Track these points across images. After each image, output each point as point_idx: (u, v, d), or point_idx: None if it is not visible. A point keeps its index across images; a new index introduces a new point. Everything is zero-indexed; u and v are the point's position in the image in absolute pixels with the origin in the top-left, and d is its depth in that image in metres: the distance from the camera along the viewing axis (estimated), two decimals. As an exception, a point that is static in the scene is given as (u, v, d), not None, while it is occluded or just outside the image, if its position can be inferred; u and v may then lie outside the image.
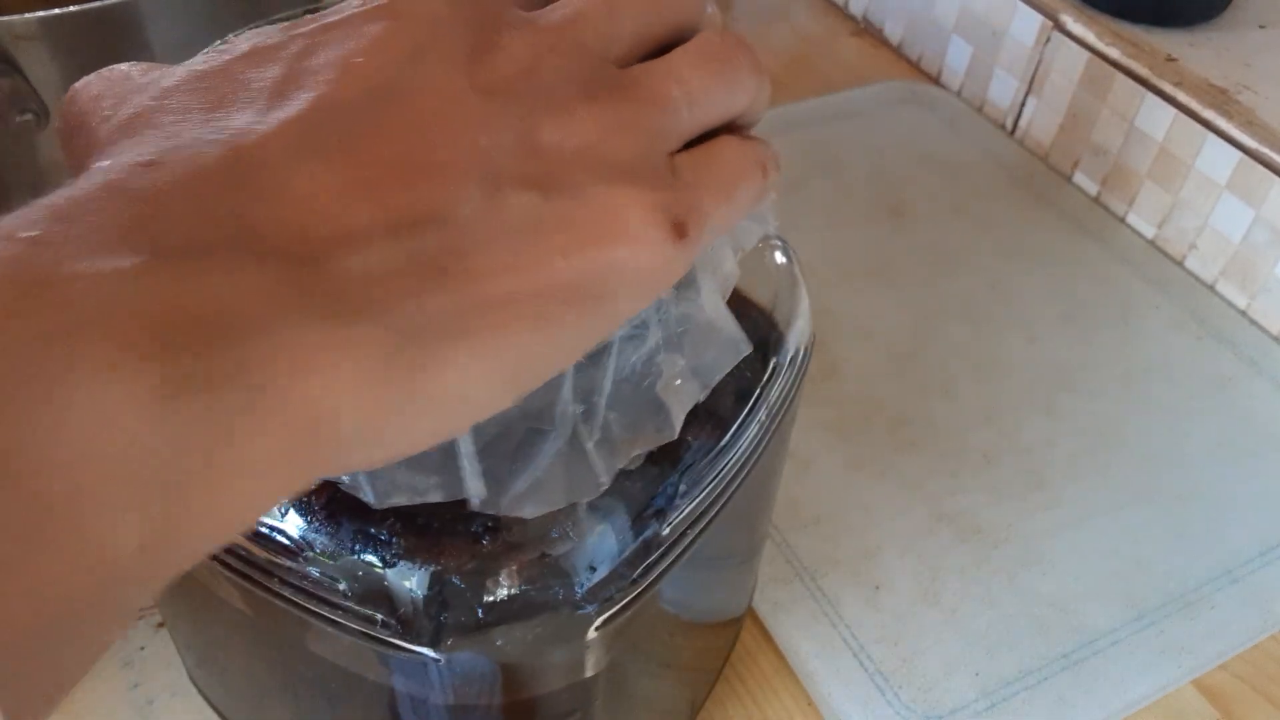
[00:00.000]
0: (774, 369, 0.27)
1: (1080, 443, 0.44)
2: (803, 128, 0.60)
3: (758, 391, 0.26)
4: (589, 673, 0.25)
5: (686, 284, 0.23)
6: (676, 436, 0.23)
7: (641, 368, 0.23)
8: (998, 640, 0.37)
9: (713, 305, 0.23)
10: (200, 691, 0.34)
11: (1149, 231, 0.54)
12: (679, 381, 0.23)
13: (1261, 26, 0.56)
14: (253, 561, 0.23)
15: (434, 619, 0.22)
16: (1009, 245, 0.53)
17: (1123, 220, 0.56)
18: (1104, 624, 0.38)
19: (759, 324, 0.28)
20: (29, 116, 0.34)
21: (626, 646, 0.26)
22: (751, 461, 0.26)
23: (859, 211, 0.55)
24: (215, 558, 0.23)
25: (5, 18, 0.35)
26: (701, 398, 0.23)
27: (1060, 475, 0.43)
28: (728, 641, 0.36)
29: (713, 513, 0.25)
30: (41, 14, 0.35)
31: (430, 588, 0.22)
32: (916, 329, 0.49)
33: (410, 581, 0.22)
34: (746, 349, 0.24)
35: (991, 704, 0.36)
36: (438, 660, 0.22)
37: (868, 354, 0.47)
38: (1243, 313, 0.51)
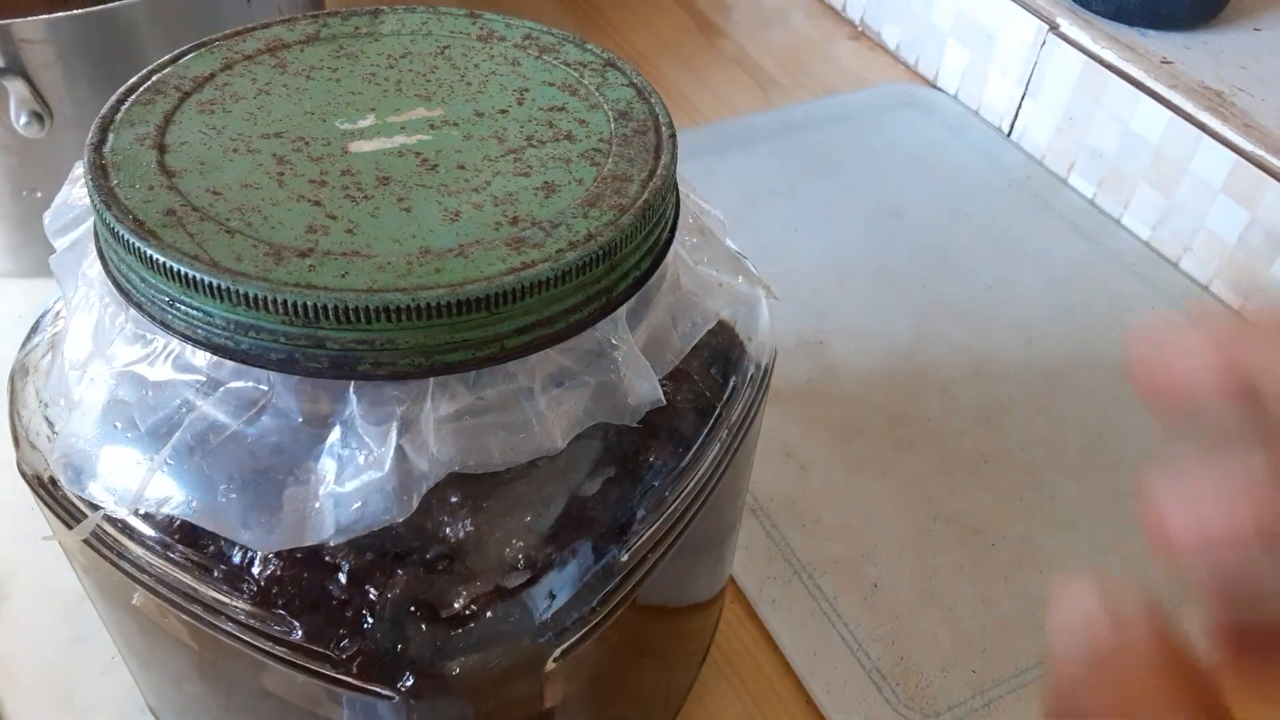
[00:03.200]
0: (734, 387, 0.26)
1: (1077, 443, 0.44)
2: (801, 130, 0.60)
3: (718, 411, 0.25)
4: (549, 703, 0.24)
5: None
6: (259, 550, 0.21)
7: (268, 456, 0.21)
8: (994, 639, 0.38)
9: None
10: (155, 716, 0.33)
11: (1144, 233, 0.55)
12: (316, 505, 0.20)
13: (1256, 29, 0.57)
14: (198, 599, 0.22)
15: (388, 655, 0.21)
16: (1006, 247, 0.54)
17: (1118, 222, 0.56)
18: (1100, 622, 0.38)
19: (729, 343, 0.27)
20: (33, 119, 0.34)
21: (588, 674, 0.25)
22: (714, 481, 0.25)
23: (857, 213, 0.55)
24: (160, 595, 0.22)
25: (12, 20, 0.35)
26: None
27: (1057, 475, 0.43)
28: (695, 659, 0.35)
29: (674, 535, 0.24)
30: (48, 16, 0.35)
31: (384, 622, 0.21)
32: (915, 329, 0.49)
33: (363, 616, 0.21)
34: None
35: (987, 701, 0.36)
36: (392, 698, 0.22)
37: (867, 354, 0.47)
38: (1237, 315, 0.51)
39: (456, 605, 0.21)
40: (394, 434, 0.20)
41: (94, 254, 0.22)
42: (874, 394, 0.46)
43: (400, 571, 0.22)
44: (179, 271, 0.19)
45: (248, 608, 0.22)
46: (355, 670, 0.21)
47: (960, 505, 0.42)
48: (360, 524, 0.20)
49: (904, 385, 0.46)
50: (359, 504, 0.20)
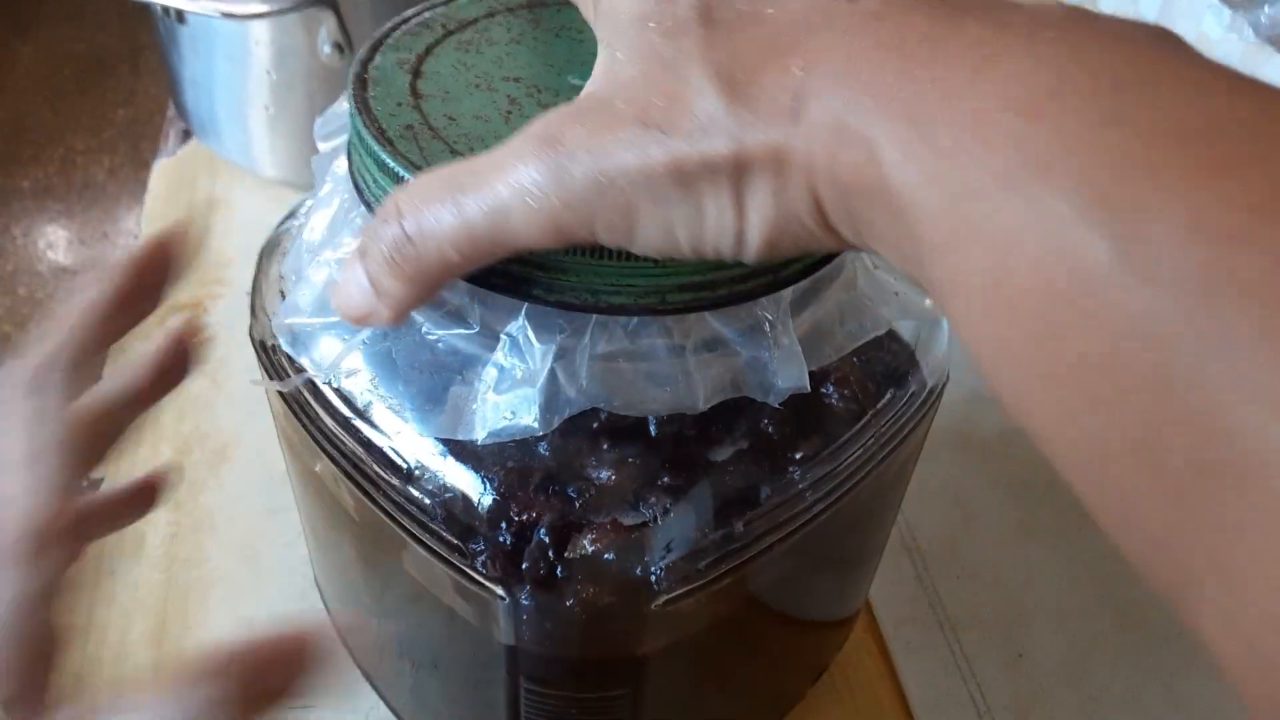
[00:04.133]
0: (893, 400, 0.26)
1: None
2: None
3: (867, 417, 0.26)
4: (645, 649, 0.25)
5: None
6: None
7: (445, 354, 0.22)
8: (1138, 742, 0.35)
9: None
10: (319, 589, 0.37)
11: None
12: (474, 405, 0.22)
13: None
14: (365, 472, 0.25)
15: (511, 563, 0.23)
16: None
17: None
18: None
19: (898, 356, 0.27)
20: (335, 49, 0.39)
21: (687, 638, 0.26)
22: (850, 487, 0.25)
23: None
24: (336, 462, 0.25)
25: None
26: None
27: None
28: (809, 674, 0.35)
29: (798, 526, 0.25)
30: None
31: (515, 533, 0.23)
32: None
33: (499, 523, 0.23)
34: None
35: (1114, 803, 0.33)
36: (504, 600, 0.23)
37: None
38: None
39: (582, 535, 0.23)
40: (551, 358, 0.22)
41: (345, 155, 0.26)
42: (1067, 463, 0.43)
43: (540, 495, 0.23)
44: (402, 177, 0.22)
45: (403, 487, 0.24)
46: (480, 567, 0.23)
47: (1135, 595, 0.39)
48: (506, 432, 0.22)
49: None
50: (509, 413, 0.22)
